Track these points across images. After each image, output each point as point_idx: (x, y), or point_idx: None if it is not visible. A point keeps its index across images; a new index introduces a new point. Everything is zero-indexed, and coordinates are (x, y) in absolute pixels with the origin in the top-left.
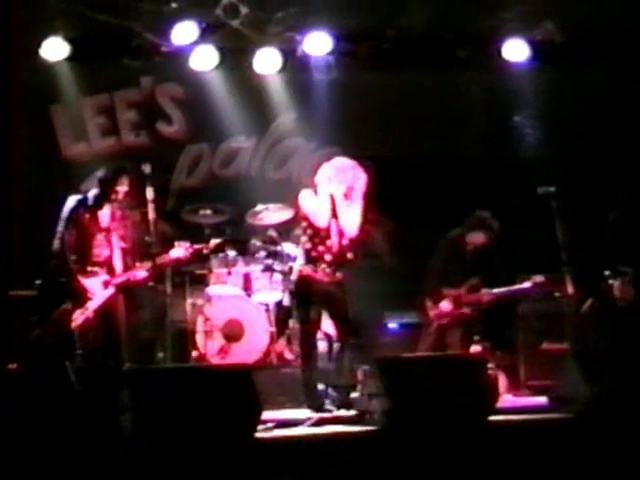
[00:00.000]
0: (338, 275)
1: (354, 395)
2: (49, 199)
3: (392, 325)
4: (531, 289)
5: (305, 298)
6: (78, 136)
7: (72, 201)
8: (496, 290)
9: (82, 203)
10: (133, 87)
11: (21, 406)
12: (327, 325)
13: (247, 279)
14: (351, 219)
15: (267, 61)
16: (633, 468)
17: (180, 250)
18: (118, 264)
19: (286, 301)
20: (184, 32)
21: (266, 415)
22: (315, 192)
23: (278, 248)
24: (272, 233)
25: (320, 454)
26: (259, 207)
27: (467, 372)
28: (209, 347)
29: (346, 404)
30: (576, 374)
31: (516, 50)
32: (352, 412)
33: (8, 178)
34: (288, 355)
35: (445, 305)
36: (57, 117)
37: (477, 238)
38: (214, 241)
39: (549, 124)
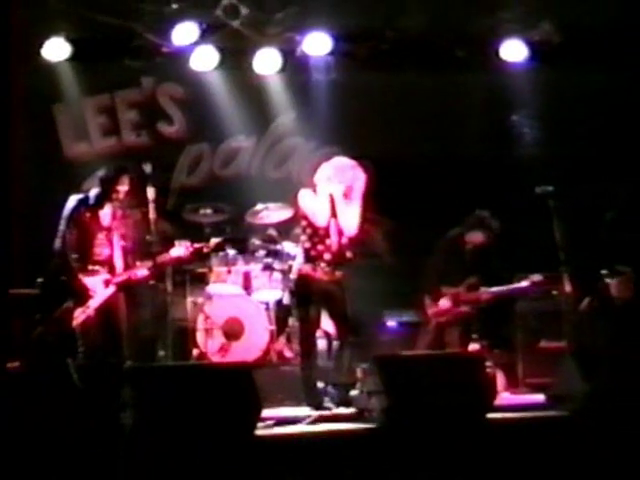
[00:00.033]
0: (337, 274)
1: (353, 393)
2: (51, 198)
3: (391, 323)
4: (529, 288)
5: (305, 297)
6: (79, 136)
7: (73, 200)
8: (495, 289)
9: (83, 202)
10: (134, 87)
11: (23, 404)
12: (326, 323)
13: (247, 278)
14: (350, 218)
15: (267, 61)
16: (630, 465)
17: (180, 249)
18: (119, 263)
19: (286, 300)
20: (185, 33)
21: (266, 413)
22: (314, 191)
23: (278, 247)
24: (272, 232)
25: (319, 451)
26: (259, 206)
27: (465, 370)
28: (209, 345)
29: (345, 402)
30: (574, 372)
31: (514, 50)
32: (351, 410)
33: (8, 178)
34: (288, 353)
35: (444, 303)
36: (59, 117)
37: (476, 237)
38: (214, 240)
39: (547, 124)
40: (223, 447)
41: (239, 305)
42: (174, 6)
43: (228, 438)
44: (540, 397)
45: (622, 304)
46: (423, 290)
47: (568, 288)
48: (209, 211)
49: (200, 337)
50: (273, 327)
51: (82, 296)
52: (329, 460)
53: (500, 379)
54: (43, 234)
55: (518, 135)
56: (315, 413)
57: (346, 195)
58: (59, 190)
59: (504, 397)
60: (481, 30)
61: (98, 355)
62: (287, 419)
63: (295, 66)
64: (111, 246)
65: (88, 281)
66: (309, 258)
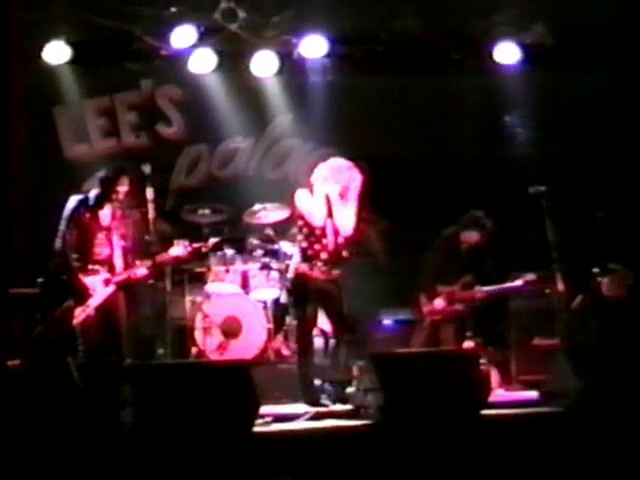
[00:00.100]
0: (334, 273)
1: (349, 390)
2: (51, 199)
3: (387, 322)
4: (522, 287)
5: (302, 295)
6: (80, 137)
7: (73, 201)
8: (489, 287)
9: (83, 203)
10: (133, 89)
11: (24, 402)
12: (323, 322)
13: (245, 277)
14: (346, 218)
15: (264, 64)
16: (622, 460)
17: (179, 248)
18: (119, 262)
19: (283, 298)
20: (183, 36)
21: (264, 410)
22: (311, 192)
23: (275, 246)
24: (269, 232)
25: (316, 447)
26: (256, 206)
27: (460, 367)
28: (208, 343)
29: (342, 399)
30: (566, 369)
31: (507, 53)
32: (348, 407)
33: (8, 178)
34: (285, 351)
35: (438, 303)
36: (59, 119)
37: (471, 237)
38: (212, 240)
39: (540, 125)
40: (222, 443)
41: (237, 304)
42: (173, 10)
43: (227, 434)
44: (533, 394)
45: (614, 302)
46: (418, 288)
47: (561, 286)
48: (207, 211)
49: (199, 335)
50: (271, 325)
51: (82, 295)
52: (326, 456)
53: (494, 376)
54: (44, 234)
55: (511, 136)
56: (312, 410)
57: (342, 195)
58: (59, 191)
59: (498, 394)
60: (475, 33)
61: (98, 353)
62: (285, 416)
63: (292, 68)
64: (111, 246)
65: (88, 280)
66: (306, 257)
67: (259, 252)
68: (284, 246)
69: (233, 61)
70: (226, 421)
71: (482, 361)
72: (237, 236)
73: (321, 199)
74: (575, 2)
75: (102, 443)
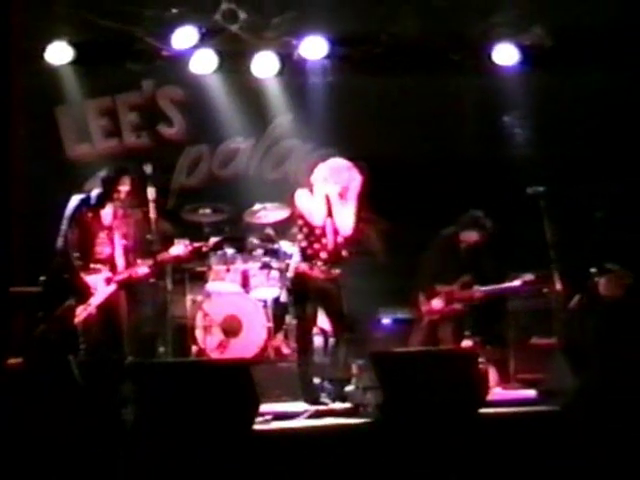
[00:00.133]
0: (333, 272)
1: (349, 388)
2: (53, 198)
3: (386, 321)
4: (521, 287)
5: (301, 295)
6: (81, 137)
7: (75, 200)
8: (487, 287)
9: (85, 202)
10: (135, 90)
11: (26, 400)
12: (323, 321)
13: (245, 276)
14: (346, 218)
15: (265, 65)
16: (619, 459)
17: (180, 248)
18: (120, 261)
19: (283, 297)
20: (184, 37)
21: (264, 408)
22: (311, 192)
23: (275, 246)
24: (269, 231)
25: (316, 445)
26: (257, 206)
27: (458, 366)
28: (208, 342)
29: (341, 397)
30: (564, 368)
31: (506, 54)
32: (347, 405)
33: (8, 178)
34: (285, 350)
35: (437, 302)
36: (61, 119)
37: (470, 236)
38: (213, 239)
39: (538, 126)
40: (222, 441)
41: (237, 303)
42: (174, 11)
43: (227, 432)
44: (531, 392)
45: (611, 302)
46: (417, 288)
47: (558, 286)
48: (208, 211)
49: (199, 334)
50: (271, 324)
51: (84, 294)
52: (325, 454)
53: (492, 375)
54: (46, 233)
55: (510, 137)
56: (312, 408)
57: (342, 195)
58: (62, 190)
59: (496, 392)
60: (474, 34)
61: (99, 352)
62: (284, 414)
63: (292, 69)
64: (112, 245)
65: (90, 279)
66: (306, 257)
67: (259, 251)
68: (284, 245)
69: (234, 62)
70: (226, 419)
71: (480, 360)
72: (237, 235)
73: (321, 199)
74: (574, 3)
75: (103, 441)
